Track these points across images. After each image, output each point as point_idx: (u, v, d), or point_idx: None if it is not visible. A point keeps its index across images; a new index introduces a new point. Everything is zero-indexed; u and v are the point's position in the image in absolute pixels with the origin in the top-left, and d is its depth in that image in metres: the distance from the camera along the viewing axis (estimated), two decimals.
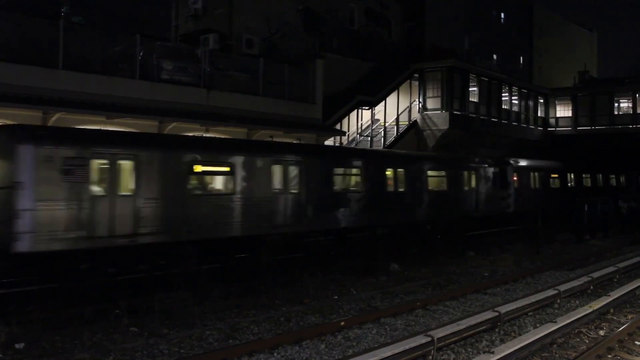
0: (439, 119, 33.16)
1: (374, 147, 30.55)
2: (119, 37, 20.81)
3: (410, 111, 33.83)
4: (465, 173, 25.91)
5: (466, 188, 25.82)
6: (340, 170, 20.39)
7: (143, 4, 30.16)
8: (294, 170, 18.43)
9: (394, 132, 32.73)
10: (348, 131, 30.93)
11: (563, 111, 44.70)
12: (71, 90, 18.57)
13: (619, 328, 11.83)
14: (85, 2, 24.89)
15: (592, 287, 15.75)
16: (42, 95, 17.85)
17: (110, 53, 20.23)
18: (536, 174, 31.73)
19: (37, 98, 17.65)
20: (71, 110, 18.10)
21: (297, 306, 13.71)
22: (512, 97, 40.27)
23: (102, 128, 18.52)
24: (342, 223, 19.84)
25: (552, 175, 33.67)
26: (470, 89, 35.31)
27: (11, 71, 17.41)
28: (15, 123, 16.11)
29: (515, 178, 29.33)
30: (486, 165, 27.37)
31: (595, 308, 12.92)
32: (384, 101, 32.49)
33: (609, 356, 10.42)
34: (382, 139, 31.96)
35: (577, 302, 14.50)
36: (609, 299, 13.71)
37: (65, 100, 18.23)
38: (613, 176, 41.43)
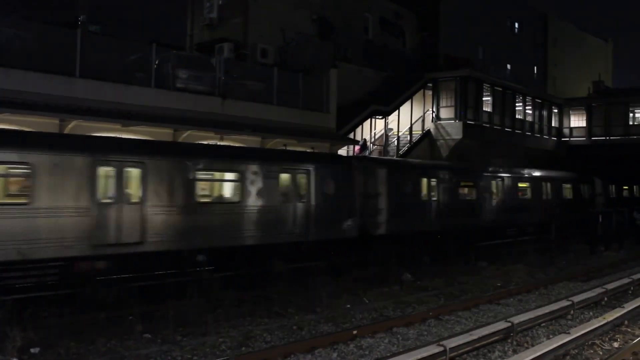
0: (453, 129, 33.08)
1: (393, 157, 30.69)
2: (135, 46, 21.05)
3: (423, 120, 33.79)
4: (584, 186, 36.20)
5: (584, 197, 35.77)
6: (464, 183, 26.76)
7: (159, 14, 30.50)
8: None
9: (406, 142, 32.70)
10: (362, 140, 30.94)
11: (577, 121, 44.41)
12: (88, 98, 18.76)
13: (634, 340, 11.74)
14: (102, 11, 25.22)
15: (606, 299, 15.64)
16: (59, 103, 18.05)
17: (126, 62, 20.44)
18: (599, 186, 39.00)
19: (54, 106, 17.86)
20: (87, 118, 18.31)
21: (309, 315, 13.73)
22: (526, 107, 40.07)
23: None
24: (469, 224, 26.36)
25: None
26: (484, 99, 35.20)
27: (29, 79, 17.62)
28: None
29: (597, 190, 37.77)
30: (591, 180, 36.72)
31: (609, 320, 12.81)
32: (397, 110, 32.49)
33: None
34: (396, 148, 31.97)
35: (591, 313, 14.41)
36: (624, 311, 13.59)
37: (82, 108, 18.42)
38: None
